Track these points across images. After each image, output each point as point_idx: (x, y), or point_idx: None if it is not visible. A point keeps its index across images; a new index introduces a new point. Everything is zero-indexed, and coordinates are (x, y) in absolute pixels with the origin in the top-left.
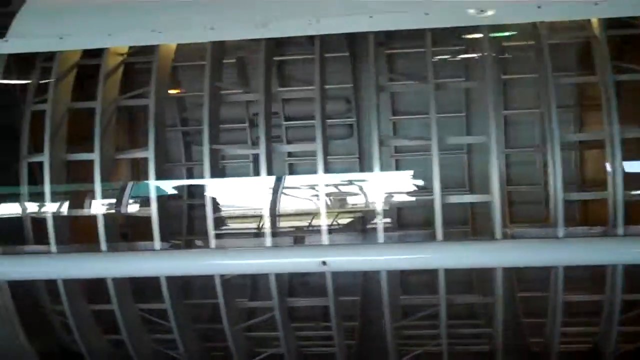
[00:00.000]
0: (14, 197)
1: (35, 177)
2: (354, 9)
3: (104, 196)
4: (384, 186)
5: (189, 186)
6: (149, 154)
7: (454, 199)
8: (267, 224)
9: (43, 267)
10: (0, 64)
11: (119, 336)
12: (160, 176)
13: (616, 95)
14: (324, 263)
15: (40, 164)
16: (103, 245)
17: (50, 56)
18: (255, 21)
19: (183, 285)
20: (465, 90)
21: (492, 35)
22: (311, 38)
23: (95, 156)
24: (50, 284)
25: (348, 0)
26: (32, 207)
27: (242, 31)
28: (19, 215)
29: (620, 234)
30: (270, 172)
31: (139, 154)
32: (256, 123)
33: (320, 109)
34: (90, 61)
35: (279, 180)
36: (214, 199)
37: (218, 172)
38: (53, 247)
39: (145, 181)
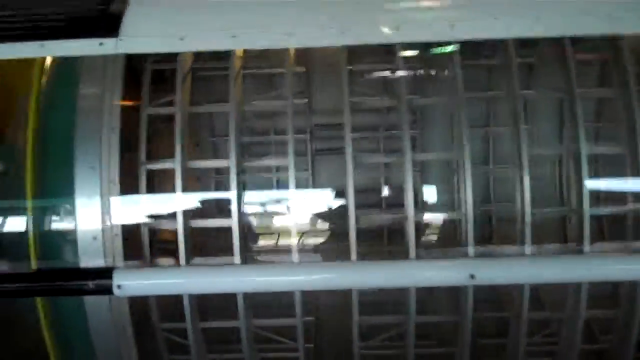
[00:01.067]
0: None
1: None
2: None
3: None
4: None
5: None
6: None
7: None
8: (410, 233)
9: (170, 282)
10: (119, 64)
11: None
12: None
13: None
14: (472, 277)
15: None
16: (237, 259)
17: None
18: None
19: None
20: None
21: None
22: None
23: (230, 163)
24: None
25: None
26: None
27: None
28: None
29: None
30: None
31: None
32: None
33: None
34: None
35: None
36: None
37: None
38: (182, 260)
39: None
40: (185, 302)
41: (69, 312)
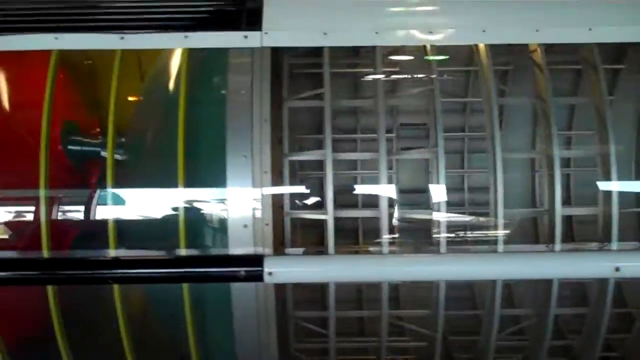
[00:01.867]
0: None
1: None
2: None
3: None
4: None
5: None
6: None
7: None
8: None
9: (319, 270)
10: (266, 56)
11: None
12: None
13: None
14: (617, 269)
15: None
16: (385, 249)
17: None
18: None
19: None
20: None
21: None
22: None
23: (380, 156)
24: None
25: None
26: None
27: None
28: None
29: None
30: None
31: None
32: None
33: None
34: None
35: None
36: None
37: None
38: (331, 249)
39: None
40: (331, 290)
41: (212, 298)
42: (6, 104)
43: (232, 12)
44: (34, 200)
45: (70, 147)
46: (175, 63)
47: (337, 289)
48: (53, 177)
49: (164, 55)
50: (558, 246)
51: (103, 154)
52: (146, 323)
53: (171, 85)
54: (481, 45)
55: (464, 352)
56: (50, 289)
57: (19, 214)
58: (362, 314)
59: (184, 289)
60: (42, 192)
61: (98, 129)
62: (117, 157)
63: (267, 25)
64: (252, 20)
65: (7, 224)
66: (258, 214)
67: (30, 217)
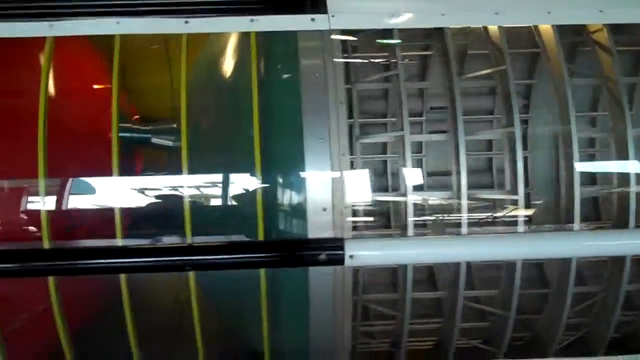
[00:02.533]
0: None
1: None
2: None
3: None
4: None
5: None
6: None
7: None
8: None
9: (398, 252)
10: (335, 40)
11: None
12: None
13: None
14: None
15: None
16: (464, 230)
17: None
18: None
19: None
20: None
21: None
22: None
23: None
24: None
25: None
26: None
27: None
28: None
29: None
30: None
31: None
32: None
33: None
34: None
35: None
36: None
37: None
38: (410, 231)
39: None
40: (409, 271)
41: (288, 281)
42: (67, 90)
43: None
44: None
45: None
46: (236, 47)
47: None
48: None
49: (217, 39)
50: None
51: (159, 140)
52: (217, 312)
53: (238, 69)
54: (547, 27)
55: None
56: (123, 277)
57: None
58: (436, 294)
59: (261, 275)
60: (115, 180)
61: (156, 116)
62: (178, 143)
63: (332, 8)
64: (316, 3)
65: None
66: (337, 197)
67: (101, 204)
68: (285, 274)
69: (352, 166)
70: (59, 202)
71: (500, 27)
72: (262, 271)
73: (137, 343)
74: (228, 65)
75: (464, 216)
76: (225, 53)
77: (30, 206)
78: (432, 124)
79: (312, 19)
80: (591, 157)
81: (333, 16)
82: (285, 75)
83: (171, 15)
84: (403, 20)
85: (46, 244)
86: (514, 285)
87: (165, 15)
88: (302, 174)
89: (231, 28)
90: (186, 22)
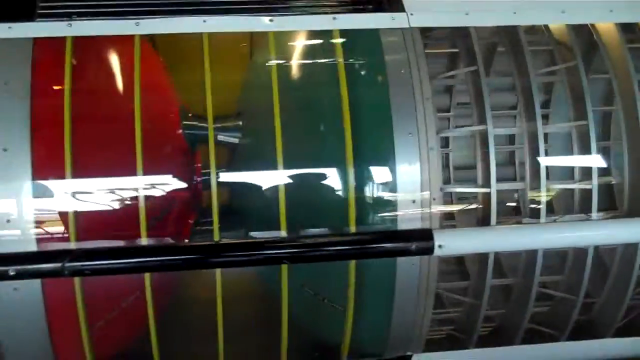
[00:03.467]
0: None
1: None
2: None
3: None
4: None
5: None
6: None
7: None
8: None
9: (483, 240)
10: (417, 37)
11: None
12: None
13: None
14: None
15: None
16: (542, 218)
17: None
18: None
19: None
20: None
21: None
22: None
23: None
24: None
25: None
26: None
27: None
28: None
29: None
30: None
31: None
32: None
33: None
34: None
35: None
36: None
37: None
38: (493, 221)
39: None
40: (490, 260)
41: (375, 271)
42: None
43: None
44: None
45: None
46: (319, 44)
47: None
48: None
49: (300, 37)
50: None
51: (224, 138)
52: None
53: (324, 67)
54: (609, 25)
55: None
56: (218, 272)
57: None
58: (503, 282)
59: (350, 266)
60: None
61: (230, 113)
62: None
63: (409, 7)
64: (392, 2)
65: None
66: (425, 189)
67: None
68: (372, 264)
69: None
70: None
71: (567, 25)
72: (352, 262)
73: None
74: (313, 63)
75: (542, 205)
76: (307, 51)
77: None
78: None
79: (392, 18)
80: None
81: (411, 14)
82: (372, 72)
83: (257, 14)
84: (477, 18)
85: (144, 241)
86: (584, 271)
87: (251, 13)
88: (392, 168)
89: (314, 26)
90: (271, 20)
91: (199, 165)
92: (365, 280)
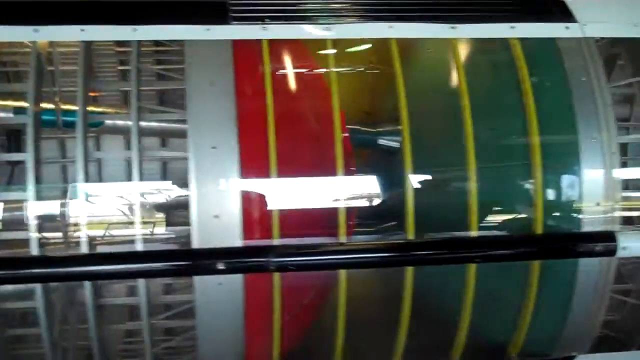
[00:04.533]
0: None
1: None
2: None
3: None
4: None
5: None
6: None
7: None
8: None
9: None
10: (592, 47)
11: None
12: None
13: None
14: None
15: None
16: None
17: None
18: None
19: None
20: None
21: None
22: None
23: None
24: None
25: None
26: None
27: None
28: None
29: None
30: None
31: None
32: None
33: None
34: None
35: None
36: None
37: None
38: None
39: None
40: None
41: (557, 273)
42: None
43: (540, 3)
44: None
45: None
46: (495, 51)
47: None
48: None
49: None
50: None
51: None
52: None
53: (504, 73)
54: None
55: None
56: (409, 270)
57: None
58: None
59: (533, 267)
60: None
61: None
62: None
63: (580, 17)
64: (561, 11)
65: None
66: (609, 192)
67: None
68: (553, 264)
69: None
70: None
71: None
72: (536, 263)
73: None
74: (491, 69)
75: None
76: (485, 58)
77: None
78: None
79: (566, 27)
80: None
81: (585, 25)
82: (554, 79)
83: (440, 21)
84: None
85: (342, 238)
86: None
87: (434, 21)
88: (577, 171)
89: (493, 34)
90: (453, 27)
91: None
92: (546, 281)
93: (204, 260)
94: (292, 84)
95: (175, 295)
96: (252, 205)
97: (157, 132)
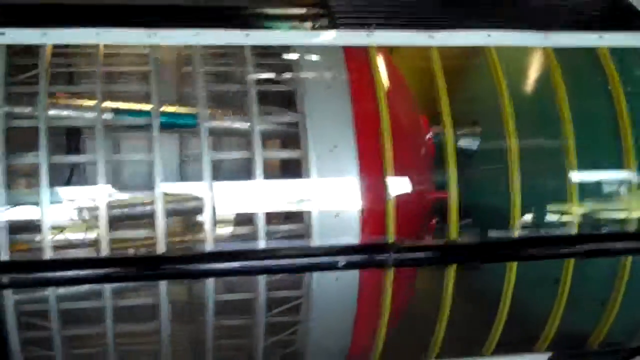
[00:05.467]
0: None
1: None
2: None
3: None
4: None
5: None
6: None
7: None
8: None
9: None
10: None
11: None
12: None
13: None
14: None
15: None
16: None
17: None
18: None
19: None
20: None
21: None
22: None
23: None
24: None
25: None
26: None
27: None
28: None
29: None
30: None
31: None
32: None
33: None
34: None
35: None
36: None
37: None
38: None
39: None
40: None
41: None
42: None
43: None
44: None
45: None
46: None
47: None
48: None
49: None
50: None
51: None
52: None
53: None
54: None
55: None
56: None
57: None
58: None
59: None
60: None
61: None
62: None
63: None
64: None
65: None
66: None
67: None
68: None
69: None
70: None
71: None
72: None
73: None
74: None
75: None
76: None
77: None
78: None
79: None
80: None
81: None
82: None
83: (533, 30)
84: None
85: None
86: None
87: (527, 29)
88: None
89: (580, 43)
90: (545, 37)
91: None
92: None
93: (325, 257)
94: (395, 88)
95: (285, 291)
96: (370, 203)
97: (271, 134)
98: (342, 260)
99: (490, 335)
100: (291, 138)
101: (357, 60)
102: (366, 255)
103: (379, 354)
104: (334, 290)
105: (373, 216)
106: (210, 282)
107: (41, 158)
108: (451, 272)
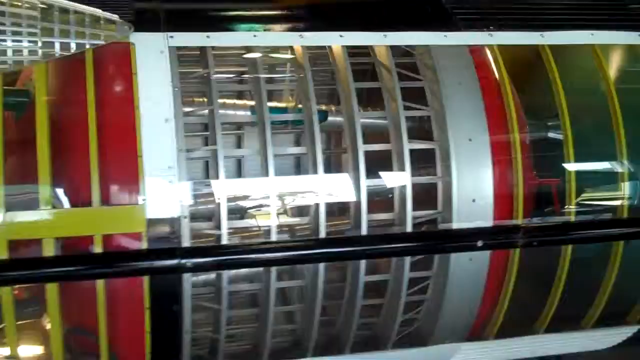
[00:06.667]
0: None
1: None
2: None
3: None
4: None
5: None
6: None
7: None
8: None
9: None
10: None
11: None
12: None
13: None
14: None
15: None
16: None
17: None
18: None
19: None
20: None
21: None
22: None
23: None
24: None
25: None
26: None
27: None
28: None
29: None
30: None
31: None
32: None
33: None
34: None
35: None
36: None
37: None
38: None
39: None
40: None
41: None
42: None
43: None
44: None
45: None
46: None
47: None
48: None
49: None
50: None
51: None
52: None
53: None
54: None
55: None
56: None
57: None
58: None
59: None
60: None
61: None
62: None
63: None
64: None
65: None
66: None
67: None
68: None
69: None
70: None
71: None
72: None
73: None
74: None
75: None
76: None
77: None
78: None
79: None
80: None
81: None
82: None
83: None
84: None
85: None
86: None
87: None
88: None
89: None
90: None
91: None
92: None
93: (464, 239)
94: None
95: (416, 272)
96: (502, 189)
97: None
98: (479, 242)
99: (590, 311)
100: (423, 131)
101: (481, 59)
102: (500, 236)
103: (496, 330)
104: (467, 270)
105: (504, 201)
106: (362, 264)
107: (219, 151)
108: (568, 250)
